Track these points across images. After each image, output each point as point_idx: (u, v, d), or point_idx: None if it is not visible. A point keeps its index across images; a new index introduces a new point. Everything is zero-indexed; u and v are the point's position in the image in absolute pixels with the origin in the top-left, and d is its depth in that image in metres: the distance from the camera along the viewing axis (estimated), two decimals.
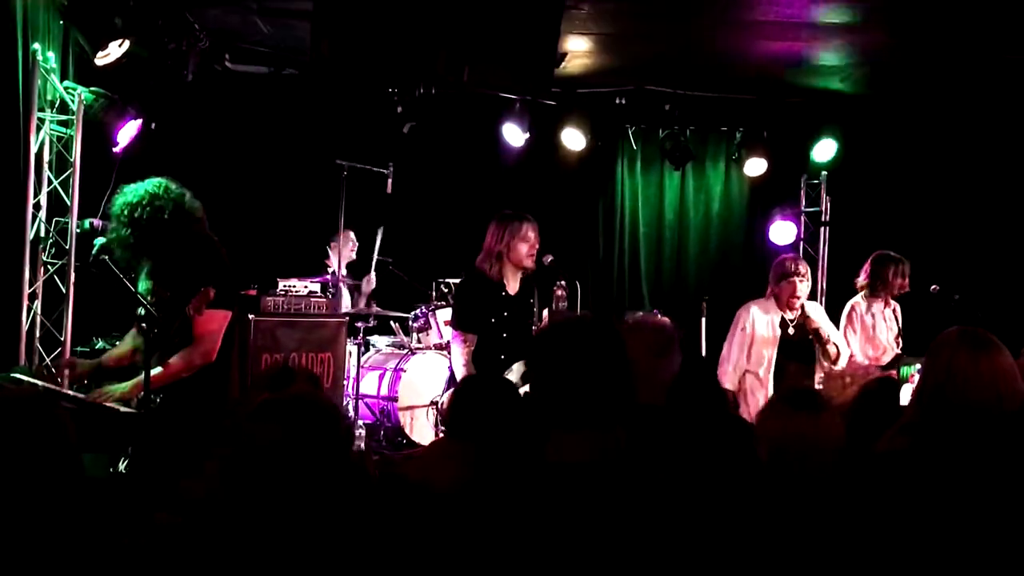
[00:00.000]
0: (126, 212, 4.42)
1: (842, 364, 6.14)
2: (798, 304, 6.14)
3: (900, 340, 6.76)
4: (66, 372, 4.61)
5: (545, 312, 5.99)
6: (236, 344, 4.68)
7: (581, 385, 2.32)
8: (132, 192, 4.47)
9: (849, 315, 6.84)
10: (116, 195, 4.52)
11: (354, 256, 8.44)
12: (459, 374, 5.57)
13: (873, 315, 6.81)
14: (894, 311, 6.87)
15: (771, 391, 6.04)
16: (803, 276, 6.17)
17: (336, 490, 2.32)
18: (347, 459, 2.44)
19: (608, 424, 2.31)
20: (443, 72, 6.54)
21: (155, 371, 4.12)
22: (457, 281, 7.01)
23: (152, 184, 4.48)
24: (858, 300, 6.87)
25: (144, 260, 4.52)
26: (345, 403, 7.15)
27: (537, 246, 5.74)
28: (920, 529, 2.63)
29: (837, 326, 6.58)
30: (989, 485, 2.73)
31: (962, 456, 2.82)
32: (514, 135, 8.62)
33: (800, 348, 6.19)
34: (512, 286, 5.74)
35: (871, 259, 6.89)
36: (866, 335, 6.77)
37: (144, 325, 4.17)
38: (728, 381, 6.25)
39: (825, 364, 6.19)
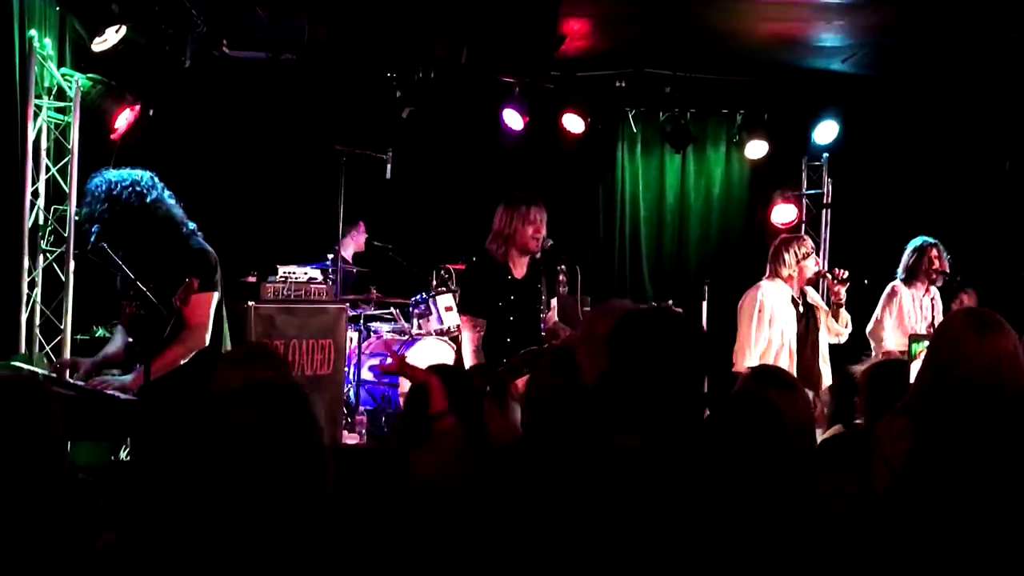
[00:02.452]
0: (103, 187, 4.42)
1: (847, 333, 6.21)
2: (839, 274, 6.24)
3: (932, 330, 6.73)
4: (67, 372, 4.58)
5: (554, 301, 5.95)
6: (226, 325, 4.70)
7: (656, 385, 2.27)
8: (116, 173, 4.49)
9: (889, 296, 6.91)
10: (96, 175, 4.52)
11: (363, 247, 8.48)
12: (468, 360, 5.50)
13: (912, 300, 6.83)
14: (932, 299, 6.88)
15: (795, 368, 6.02)
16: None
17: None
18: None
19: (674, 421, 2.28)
20: (441, 55, 6.52)
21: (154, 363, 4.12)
22: (458, 267, 6.99)
23: (139, 172, 4.49)
24: (898, 283, 6.90)
25: (117, 245, 4.49)
26: (347, 389, 7.15)
27: (543, 231, 5.69)
28: (918, 506, 2.62)
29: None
30: (989, 465, 2.72)
31: (963, 436, 2.82)
32: (513, 119, 8.59)
33: (810, 322, 6.20)
34: (519, 270, 5.70)
35: (908, 246, 6.97)
36: (900, 320, 6.77)
37: (141, 313, 4.18)
38: (751, 363, 6.18)
39: (836, 328, 6.23)
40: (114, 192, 4.39)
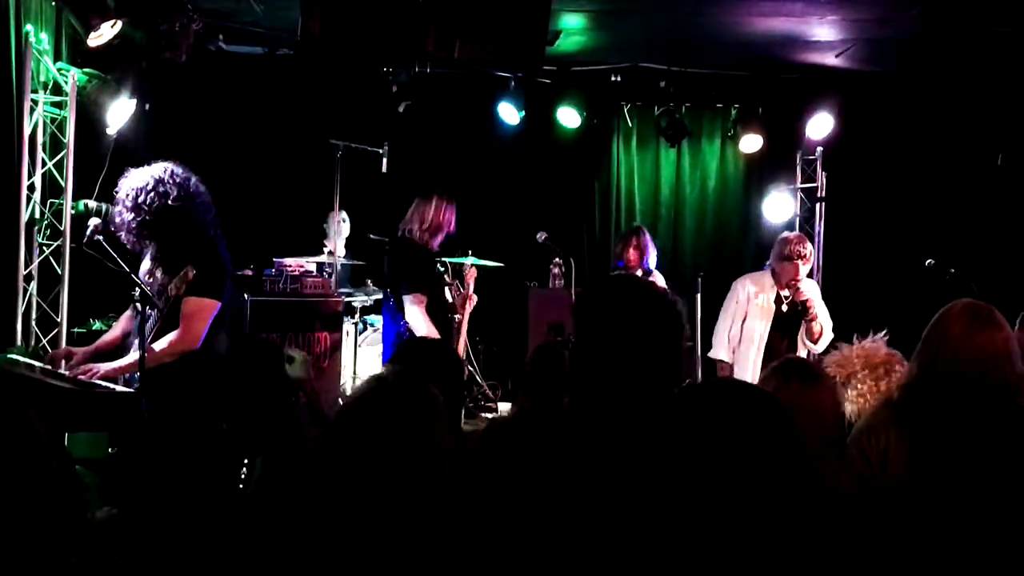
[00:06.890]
0: (131, 196, 4.44)
1: (822, 345, 5.89)
2: (797, 285, 6.04)
3: None
4: (62, 363, 4.57)
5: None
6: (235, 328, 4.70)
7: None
8: (138, 176, 4.48)
9: None
10: (123, 178, 4.53)
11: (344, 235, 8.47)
12: (424, 331, 5.78)
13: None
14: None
15: (760, 365, 5.99)
16: (806, 259, 6.03)
17: None
18: None
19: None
20: (433, 50, 6.53)
21: (136, 355, 4.11)
22: (455, 260, 7.07)
23: (158, 169, 4.49)
24: None
25: (149, 243, 4.54)
26: (344, 381, 7.18)
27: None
28: (897, 499, 2.65)
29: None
30: (967, 456, 2.75)
31: (943, 427, 2.85)
32: (509, 114, 8.61)
33: (791, 324, 6.15)
34: None
35: None
36: None
37: (137, 305, 4.17)
38: (722, 352, 6.26)
39: (806, 343, 6.05)
40: (139, 200, 4.40)
